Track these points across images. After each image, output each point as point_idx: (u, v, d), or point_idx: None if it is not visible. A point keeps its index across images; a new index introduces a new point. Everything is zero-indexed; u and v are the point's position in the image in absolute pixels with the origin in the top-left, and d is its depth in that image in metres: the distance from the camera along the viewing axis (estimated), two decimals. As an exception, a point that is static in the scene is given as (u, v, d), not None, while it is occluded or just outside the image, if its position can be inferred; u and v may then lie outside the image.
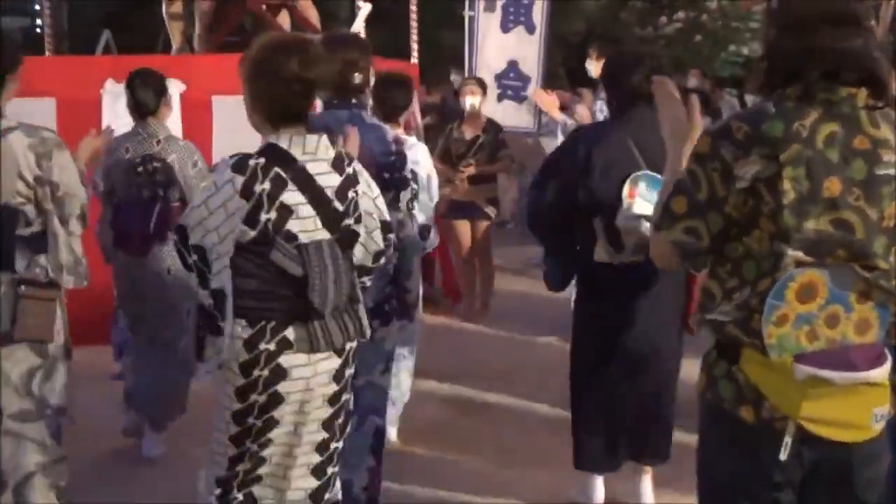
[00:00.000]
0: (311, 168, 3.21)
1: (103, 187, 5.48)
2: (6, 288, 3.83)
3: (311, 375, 3.21)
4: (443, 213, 8.98)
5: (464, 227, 8.65)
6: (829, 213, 2.39)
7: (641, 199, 4.27)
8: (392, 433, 5.65)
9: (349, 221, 3.29)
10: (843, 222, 2.40)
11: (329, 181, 3.24)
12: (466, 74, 9.76)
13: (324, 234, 3.21)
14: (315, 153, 3.23)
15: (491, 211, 8.62)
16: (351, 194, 3.29)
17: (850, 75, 2.41)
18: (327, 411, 3.29)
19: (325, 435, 3.32)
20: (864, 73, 2.42)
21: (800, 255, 2.40)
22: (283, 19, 8.97)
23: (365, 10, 8.39)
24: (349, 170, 3.31)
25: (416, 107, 9.11)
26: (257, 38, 3.35)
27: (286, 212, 3.16)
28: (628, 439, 4.60)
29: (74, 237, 4.00)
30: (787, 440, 2.43)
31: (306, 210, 3.19)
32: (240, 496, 3.30)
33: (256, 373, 3.18)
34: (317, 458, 3.34)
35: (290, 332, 3.19)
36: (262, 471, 3.30)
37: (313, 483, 3.36)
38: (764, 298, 2.42)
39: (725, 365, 2.53)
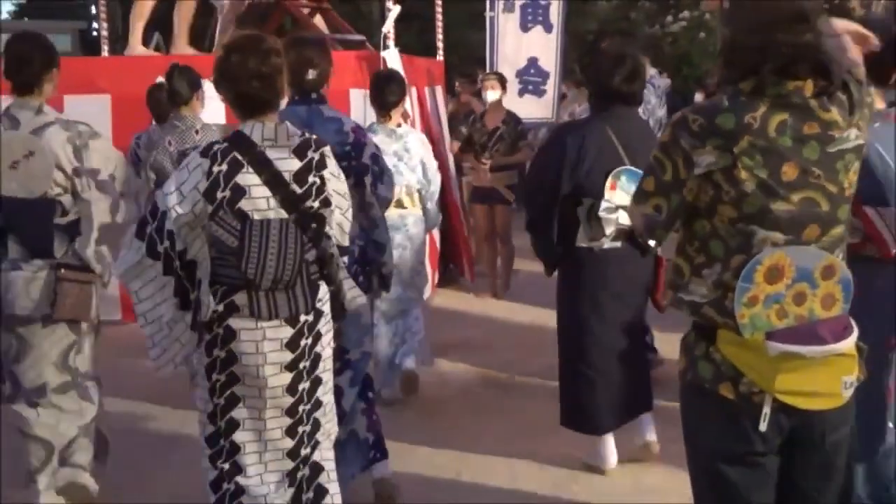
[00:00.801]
0: (271, 153, 3.29)
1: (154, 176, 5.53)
2: (46, 272, 3.88)
3: (259, 339, 3.27)
4: (466, 198, 9.02)
5: (483, 212, 8.68)
6: (794, 194, 2.42)
7: (622, 191, 4.35)
8: (411, 362, 5.80)
9: (311, 203, 3.33)
10: (809, 200, 2.43)
11: (287, 165, 3.29)
12: (487, 70, 9.74)
13: (279, 214, 3.27)
14: (275, 139, 3.29)
15: (510, 196, 8.61)
16: (312, 178, 3.32)
17: (801, 68, 2.44)
18: (287, 377, 3.32)
19: (291, 399, 3.35)
20: (815, 65, 2.45)
21: (775, 234, 2.42)
22: (319, 22, 8.99)
23: (395, 11, 8.37)
24: (314, 155, 3.35)
25: (440, 102, 9.15)
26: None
27: (239, 191, 3.25)
28: (617, 403, 4.66)
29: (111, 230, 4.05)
30: (766, 411, 2.45)
31: (260, 191, 3.26)
32: (227, 465, 3.39)
33: (215, 330, 3.29)
34: (288, 421, 3.37)
35: (238, 298, 3.27)
36: (238, 437, 3.36)
37: (288, 444, 3.39)
38: (738, 275, 2.43)
39: (704, 346, 2.54)
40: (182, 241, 3.29)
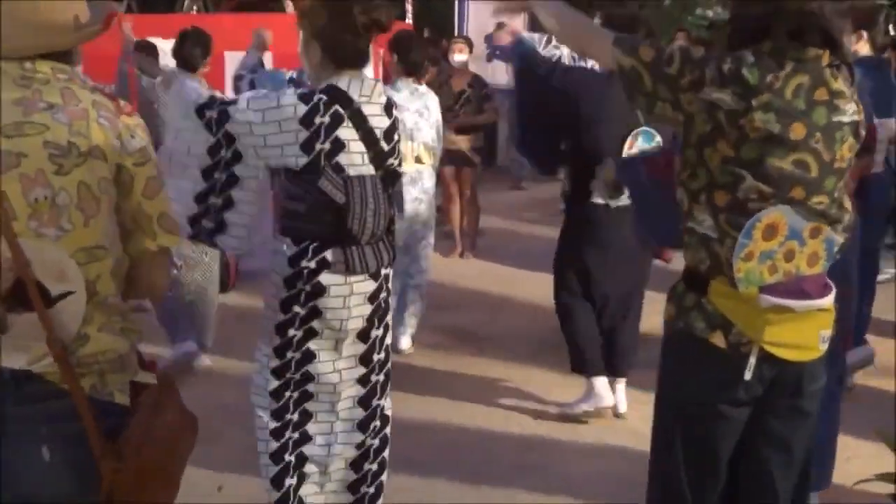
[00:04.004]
0: (366, 109, 3.22)
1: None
2: None
3: (347, 294, 3.21)
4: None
5: (450, 173, 8.61)
6: (791, 154, 2.44)
7: (638, 150, 4.49)
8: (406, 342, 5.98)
9: (393, 161, 3.30)
10: (801, 162, 2.45)
11: (380, 123, 3.24)
12: (456, 34, 9.69)
13: (369, 170, 3.22)
14: (370, 96, 3.23)
15: (476, 158, 8.59)
16: (395, 136, 3.31)
17: (812, 37, 2.45)
18: (364, 331, 3.29)
19: (363, 346, 3.31)
20: (821, 33, 2.45)
21: (763, 187, 2.44)
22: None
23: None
24: (397, 114, 3.35)
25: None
26: None
27: (338, 145, 3.16)
28: (604, 351, 4.83)
29: None
30: (752, 361, 2.51)
31: (356, 146, 3.19)
32: (296, 434, 3.32)
33: (299, 286, 3.19)
34: (361, 390, 3.34)
35: (329, 254, 3.18)
36: (309, 406, 3.31)
37: (360, 413, 3.36)
38: (730, 222, 2.46)
39: (694, 297, 2.57)
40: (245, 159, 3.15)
